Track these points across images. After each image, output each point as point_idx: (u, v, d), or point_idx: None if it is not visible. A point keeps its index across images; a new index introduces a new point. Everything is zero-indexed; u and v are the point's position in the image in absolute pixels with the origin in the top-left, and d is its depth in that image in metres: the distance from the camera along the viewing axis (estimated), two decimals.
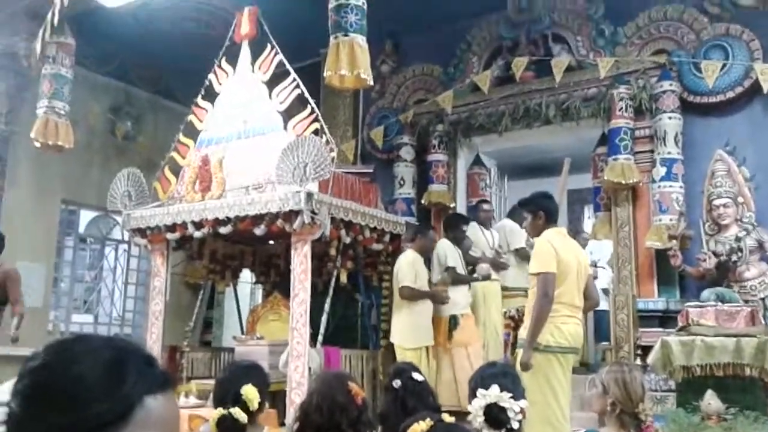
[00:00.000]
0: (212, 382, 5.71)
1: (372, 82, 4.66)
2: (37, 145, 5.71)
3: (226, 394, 2.48)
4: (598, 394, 2.61)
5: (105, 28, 7.19)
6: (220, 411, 2.42)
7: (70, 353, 0.84)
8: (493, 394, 2.12)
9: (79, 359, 0.83)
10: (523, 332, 3.86)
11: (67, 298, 8.17)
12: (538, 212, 3.98)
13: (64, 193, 7.76)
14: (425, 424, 1.82)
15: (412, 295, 5.42)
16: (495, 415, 2.11)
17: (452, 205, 7.06)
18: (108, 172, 6.65)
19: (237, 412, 2.39)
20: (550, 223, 3.97)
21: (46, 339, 6.69)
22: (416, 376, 2.74)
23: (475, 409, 2.11)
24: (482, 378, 2.22)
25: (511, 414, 2.11)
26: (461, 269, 5.76)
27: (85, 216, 8.47)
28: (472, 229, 6.14)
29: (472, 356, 5.56)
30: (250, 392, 2.42)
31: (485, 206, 6.46)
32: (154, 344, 5.76)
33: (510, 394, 2.13)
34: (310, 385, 2.41)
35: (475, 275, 5.82)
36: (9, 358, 5.52)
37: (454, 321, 5.57)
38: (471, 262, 5.94)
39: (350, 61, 4.30)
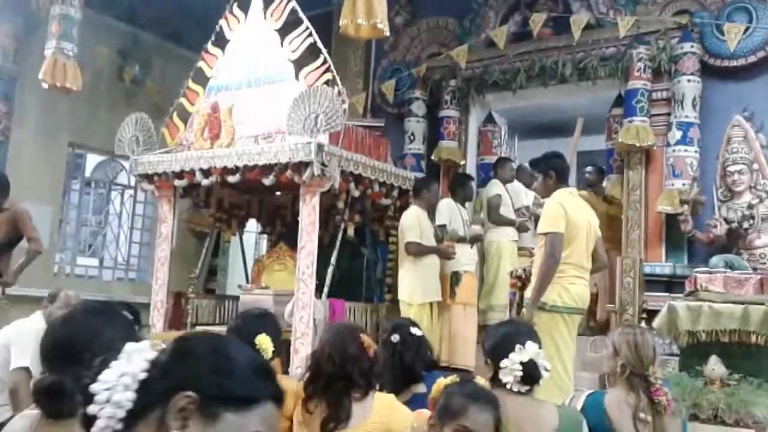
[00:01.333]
0: (217, 328, 5.79)
1: (388, 33, 4.56)
2: (45, 86, 5.64)
3: None
4: (608, 355, 2.61)
5: None
6: None
7: (236, 339, 1.13)
8: (531, 350, 2.12)
9: (237, 346, 1.05)
10: (529, 292, 3.85)
11: (72, 241, 8.20)
12: (549, 172, 3.94)
13: (71, 136, 7.70)
14: (450, 379, 1.84)
15: (418, 251, 5.41)
16: (531, 371, 2.12)
17: (462, 163, 6.98)
18: (115, 116, 6.57)
19: None
20: (561, 184, 3.94)
21: (51, 281, 6.73)
22: (414, 330, 2.75)
23: (513, 363, 2.10)
24: (516, 334, 2.21)
25: (543, 371, 2.12)
26: (461, 229, 5.73)
27: (92, 160, 8.43)
28: (500, 188, 6.14)
29: (468, 316, 5.60)
30: (264, 341, 2.41)
31: (512, 164, 6.43)
32: (159, 289, 5.80)
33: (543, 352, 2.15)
34: (322, 335, 2.41)
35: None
36: (17, 298, 5.57)
37: (456, 278, 5.59)
38: (502, 222, 5.98)
39: (367, 10, 4.20)
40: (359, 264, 6.42)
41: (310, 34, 5.31)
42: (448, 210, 5.78)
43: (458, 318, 5.54)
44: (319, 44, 5.26)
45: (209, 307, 6.31)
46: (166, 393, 0.96)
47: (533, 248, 6.18)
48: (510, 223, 6.08)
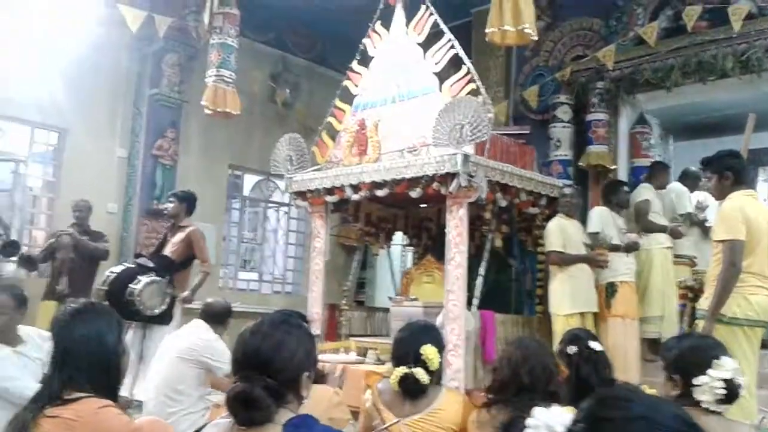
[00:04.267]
0: (369, 339, 5.92)
1: (536, 37, 4.46)
2: (208, 112, 6.04)
3: (406, 353, 2.51)
4: None
5: None
6: (403, 369, 2.45)
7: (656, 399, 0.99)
8: (730, 366, 1.99)
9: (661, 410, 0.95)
10: (703, 303, 3.59)
11: (234, 257, 8.75)
12: (725, 173, 3.63)
13: (231, 158, 8.25)
14: None
15: (561, 260, 5.26)
16: (730, 389, 1.98)
17: (613, 167, 6.68)
18: (269, 138, 6.95)
19: (419, 373, 2.41)
20: (739, 185, 3.62)
21: (217, 295, 7.19)
22: (593, 345, 2.64)
23: (713, 380, 1.97)
24: (706, 347, 2.08)
25: (741, 390, 1.97)
26: (615, 237, 5.46)
27: (249, 180, 8.98)
28: (649, 192, 5.82)
29: (629, 329, 5.31)
30: (430, 352, 2.43)
31: (667, 170, 6.07)
32: (315, 301, 6.00)
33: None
34: (509, 347, 2.45)
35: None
36: (186, 310, 6.00)
37: (611, 289, 5.34)
38: (651, 228, 5.63)
39: (514, 15, 4.14)
40: (507, 275, 6.30)
41: (452, 46, 5.33)
42: (600, 217, 5.56)
43: (616, 331, 5.26)
44: (462, 54, 5.25)
45: (360, 319, 6.47)
46: None
47: (695, 257, 5.79)
48: (661, 229, 5.71)
